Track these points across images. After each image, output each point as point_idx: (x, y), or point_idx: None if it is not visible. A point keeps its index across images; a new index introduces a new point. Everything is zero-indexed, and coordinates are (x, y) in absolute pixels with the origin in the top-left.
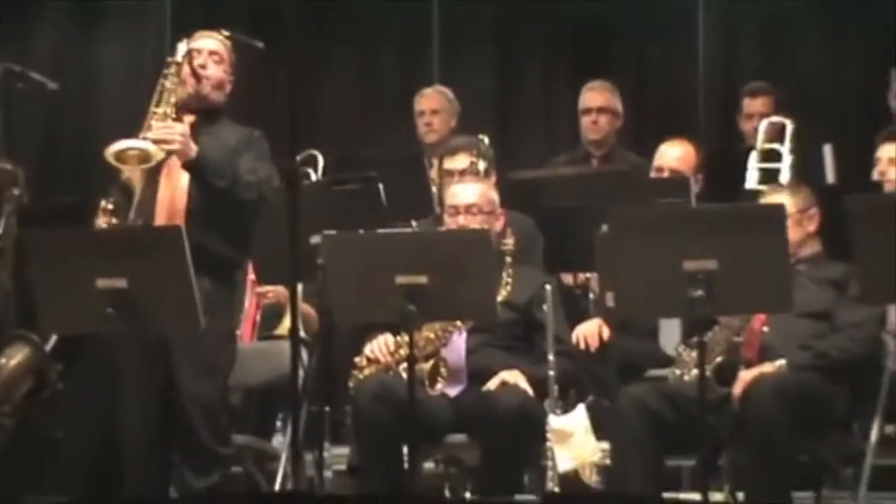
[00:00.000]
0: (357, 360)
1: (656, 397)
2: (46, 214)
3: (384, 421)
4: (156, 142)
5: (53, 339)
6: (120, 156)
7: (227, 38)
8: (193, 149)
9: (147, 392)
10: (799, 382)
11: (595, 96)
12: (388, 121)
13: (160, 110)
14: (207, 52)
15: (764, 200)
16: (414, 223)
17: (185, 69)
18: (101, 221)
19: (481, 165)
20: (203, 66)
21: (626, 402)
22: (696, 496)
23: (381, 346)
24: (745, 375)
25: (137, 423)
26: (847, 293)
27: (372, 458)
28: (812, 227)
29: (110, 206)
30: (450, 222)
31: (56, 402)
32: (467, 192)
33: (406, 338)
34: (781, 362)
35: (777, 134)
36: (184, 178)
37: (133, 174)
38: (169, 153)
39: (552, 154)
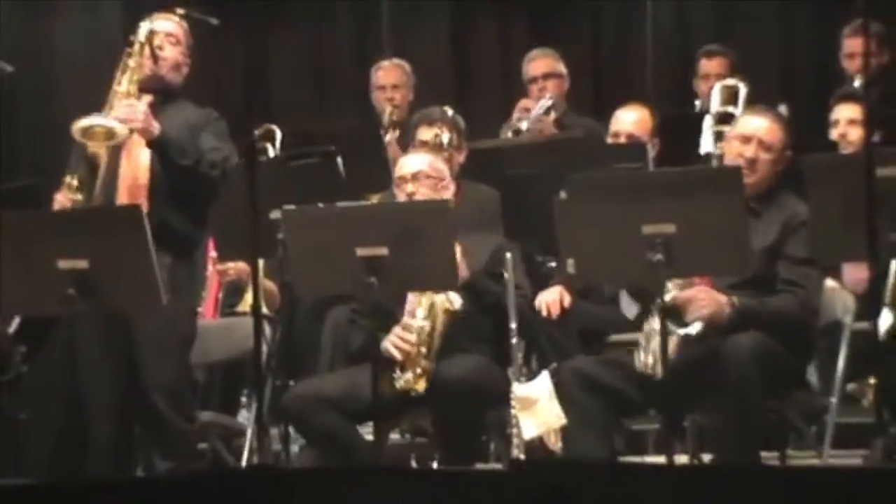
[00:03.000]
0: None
1: (598, 366)
2: (1, 198)
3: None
4: (119, 120)
5: (16, 320)
6: (86, 132)
7: (181, 16)
8: (156, 126)
9: (110, 372)
10: (768, 342)
11: (537, 65)
12: (344, 93)
13: (122, 88)
14: (164, 34)
15: (750, 119)
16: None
17: (146, 49)
18: (65, 197)
19: (445, 138)
20: (160, 48)
21: (566, 375)
22: (662, 459)
23: (399, 341)
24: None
25: (101, 404)
26: (786, 249)
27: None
28: (781, 167)
29: (75, 182)
30: (399, 193)
31: (20, 384)
32: (415, 161)
33: (418, 325)
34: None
35: (731, 97)
36: (144, 156)
37: (99, 150)
38: (132, 130)
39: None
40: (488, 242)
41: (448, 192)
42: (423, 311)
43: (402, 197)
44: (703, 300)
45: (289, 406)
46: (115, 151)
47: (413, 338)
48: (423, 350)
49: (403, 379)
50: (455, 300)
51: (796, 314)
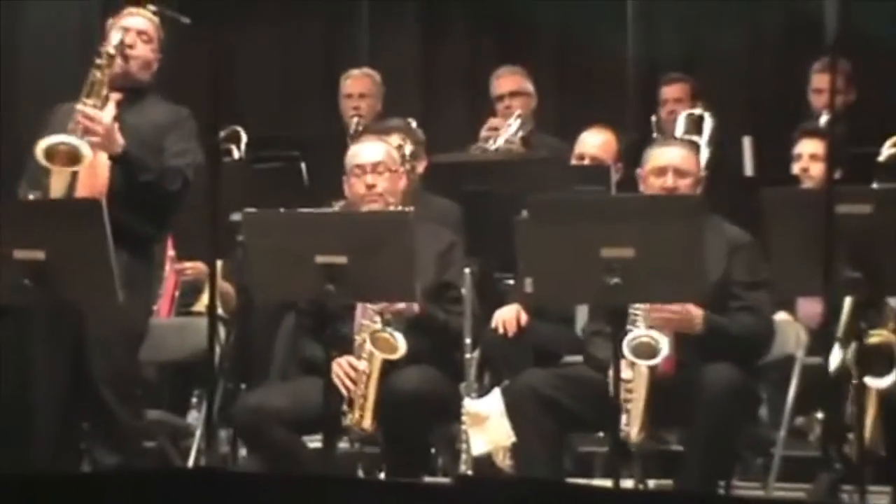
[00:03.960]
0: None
1: (550, 382)
2: None
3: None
4: (80, 121)
5: None
6: (50, 152)
7: (153, 13)
8: (119, 143)
9: (59, 366)
10: (742, 373)
11: (504, 82)
12: (312, 99)
13: (90, 102)
14: (136, 31)
15: (661, 150)
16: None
17: (117, 60)
18: None
19: (408, 149)
20: (131, 46)
21: (519, 390)
22: (608, 483)
23: (344, 377)
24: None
25: (48, 397)
26: (735, 275)
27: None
28: (700, 190)
29: (31, 197)
30: (355, 182)
31: None
32: (373, 151)
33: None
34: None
35: (695, 125)
36: (104, 158)
37: (60, 176)
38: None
39: (475, 138)
40: (440, 238)
41: (402, 182)
42: (365, 357)
43: (359, 187)
44: (673, 308)
45: (237, 419)
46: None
47: (354, 375)
48: (363, 389)
49: (350, 417)
50: (400, 344)
51: (759, 337)
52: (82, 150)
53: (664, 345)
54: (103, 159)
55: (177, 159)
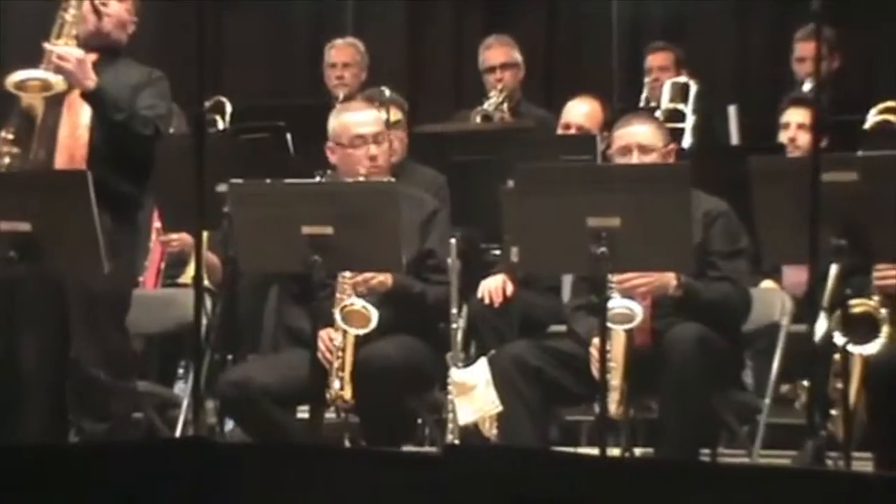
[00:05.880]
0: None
1: (536, 353)
2: None
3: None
4: (57, 58)
5: None
6: (21, 85)
7: None
8: (92, 78)
9: (46, 336)
10: (712, 335)
11: (495, 54)
12: (297, 69)
13: (60, 42)
14: None
15: (624, 130)
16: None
17: (86, 5)
18: (2, 152)
19: (386, 115)
20: (104, 4)
21: (505, 361)
22: (594, 451)
23: (324, 349)
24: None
25: (36, 368)
26: (712, 245)
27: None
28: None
29: (10, 136)
30: (355, 154)
31: None
32: (370, 119)
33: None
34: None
35: (681, 94)
36: (85, 115)
37: (34, 101)
38: (68, 82)
39: (460, 108)
40: (422, 206)
41: (389, 151)
42: (339, 335)
43: (360, 159)
44: (647, 275)
45: (223, 393)
46: (54, 105)
47: (332, 348)
48: (340, 362)
49: (332, 389)
50: (372, 316)
51: (734, 303)
52: (52, 80)
53: (639, 312)
54: (85, 117)
55: (146, 111)
